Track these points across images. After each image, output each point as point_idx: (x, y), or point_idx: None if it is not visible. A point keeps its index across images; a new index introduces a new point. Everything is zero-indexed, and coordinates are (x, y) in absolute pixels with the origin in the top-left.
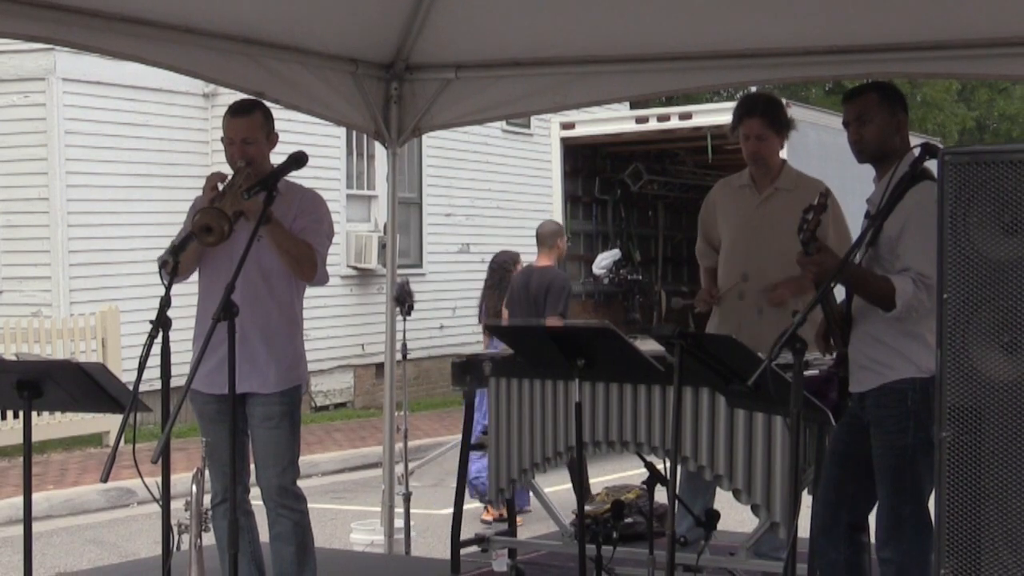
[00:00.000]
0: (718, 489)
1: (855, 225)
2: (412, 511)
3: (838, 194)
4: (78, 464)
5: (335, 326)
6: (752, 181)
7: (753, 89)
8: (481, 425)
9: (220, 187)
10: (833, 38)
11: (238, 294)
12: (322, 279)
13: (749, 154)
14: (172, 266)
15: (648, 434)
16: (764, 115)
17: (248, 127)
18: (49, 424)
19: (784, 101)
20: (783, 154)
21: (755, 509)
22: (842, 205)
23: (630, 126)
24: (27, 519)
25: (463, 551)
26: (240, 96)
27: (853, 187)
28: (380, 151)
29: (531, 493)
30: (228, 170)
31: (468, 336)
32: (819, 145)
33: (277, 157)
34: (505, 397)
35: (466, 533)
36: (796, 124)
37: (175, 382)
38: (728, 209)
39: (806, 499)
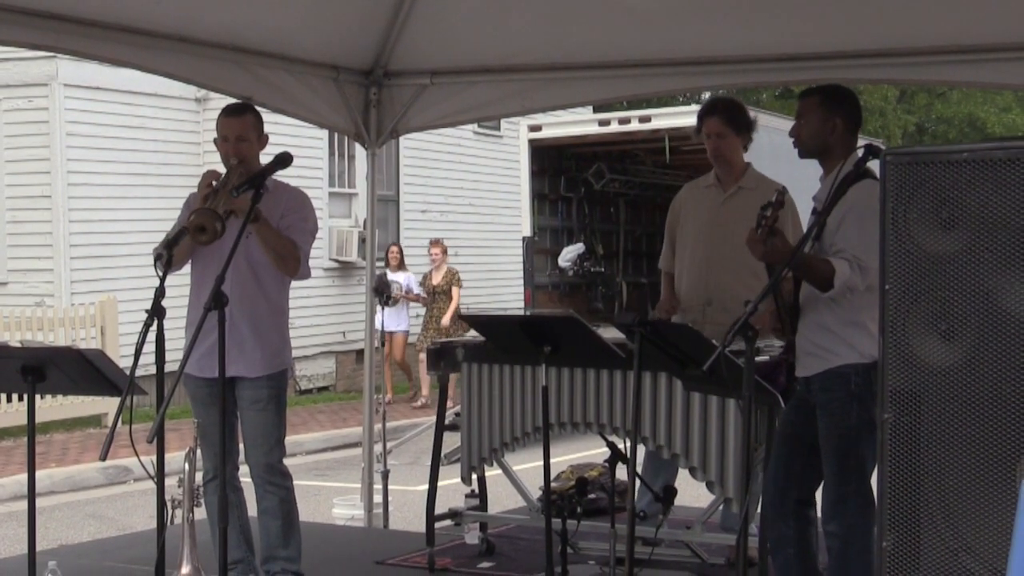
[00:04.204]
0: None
1: (804, 221)
2: (390, 487)
3: (789, 191)
4: (78, 444)
5: (318, 315)
6: (717, 180)
7: (707, 94)
8: None
9: (215, 184)
10: (782, 47)
11: (228, 285)
12: (305, 275)
13: (711, 152)
14: (166, 259)
15: (610, 416)
16: (722, 115)
17: (241, 126)
18: (51, 406)
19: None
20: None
21: (710, 486)
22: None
23: (593, 128)
24: (31, 495)
25: (437, 525)
26: (231, 100)
27: (802, 185)
28: (360, 152)
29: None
30: (221, 168)
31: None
32: (770, 146)
33: (265, 158)
34: (477, 381)
35: (440, 508)
36: (757, 126)
37: (169, 367)
38: (693, 208)
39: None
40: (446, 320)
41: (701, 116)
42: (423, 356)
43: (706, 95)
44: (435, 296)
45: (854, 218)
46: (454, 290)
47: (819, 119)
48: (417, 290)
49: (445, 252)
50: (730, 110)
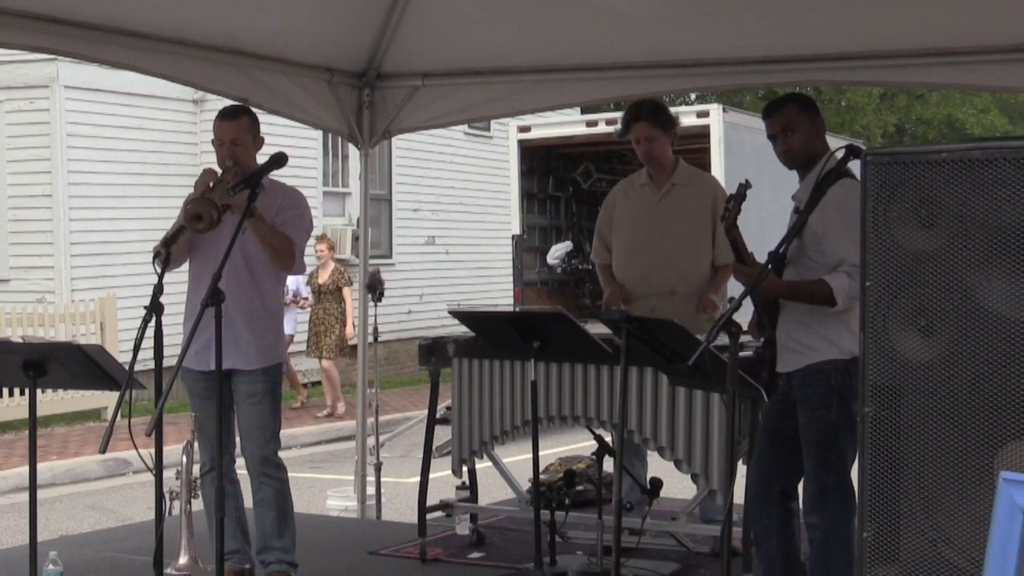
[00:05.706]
0: (661, 459)
1: (784, 219)
2: (383, 479)
3: (770, 190)
4: (79, 437)
5: None
6: (650, 179)
7: (693, 96)
8: None
9: (212, 184)
10: (766, 49)
11: (224, 280)
12: (299, 269)
13: (642, 155)
14: (164, 256)
15: (597, 410)
16: (649, 118)
17: (236, 130)
18: (52, 400)
19: (664, 101)
20: (717, 154)
21: (695, 478)
22: (775, 202)
23: (581, 129)
24: (32, 487)
25: (429, 516)
26: (227, 102)
27: (785, 185)
28: (354, 152)
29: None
30: (218, 169)
31: (434, 320)
32: (753, 146)
33: (261, 158)
34: (467, 376)
35: (432, 500)
36: (680, 121)
37: (167, 362)
38: (626, 207)
39: (741, 469)
40: (350, 330)
41: (627, 122)
42: (327, 364)
43: (692, 96)
44: (321, 296)
45: (840, 223)
46: (345, 291)
47: (807, 125)
48: (305, 292)
49: (332, 249)
50: (655, 112)
